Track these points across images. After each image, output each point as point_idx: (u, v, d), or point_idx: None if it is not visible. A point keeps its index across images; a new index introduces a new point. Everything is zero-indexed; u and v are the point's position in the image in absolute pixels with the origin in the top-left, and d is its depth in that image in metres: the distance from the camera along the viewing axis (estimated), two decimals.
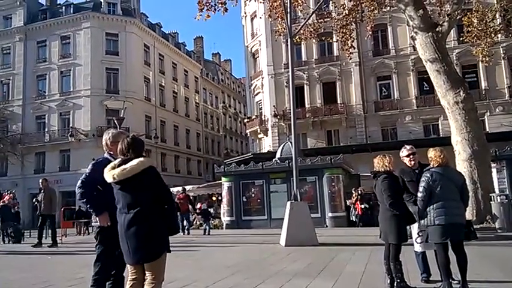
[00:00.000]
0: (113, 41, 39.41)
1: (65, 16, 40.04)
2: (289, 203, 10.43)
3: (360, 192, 16.03)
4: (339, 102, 31.67)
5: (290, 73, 11.92)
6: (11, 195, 18.33)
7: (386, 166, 4.94)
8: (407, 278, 4.83)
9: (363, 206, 15.72)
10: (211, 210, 22.58)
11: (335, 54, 31.93)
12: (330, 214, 16.89)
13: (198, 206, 19.83)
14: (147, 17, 44.96)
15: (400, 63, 30.71)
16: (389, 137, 30.63)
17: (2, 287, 5.87)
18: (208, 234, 16.76)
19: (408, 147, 5.32)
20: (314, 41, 24.18)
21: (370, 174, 5.43)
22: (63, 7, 41.30)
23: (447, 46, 15.41)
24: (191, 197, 21.99)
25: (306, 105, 32.05)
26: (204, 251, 10.16)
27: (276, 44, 31.87)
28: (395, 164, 5.06)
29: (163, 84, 44.71)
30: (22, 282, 6.27)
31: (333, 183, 17.21)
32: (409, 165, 5.21)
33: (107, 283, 3.62)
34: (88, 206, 3.65)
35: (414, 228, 5.05)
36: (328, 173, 17.29)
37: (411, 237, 5.12)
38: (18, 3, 41.45)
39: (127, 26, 39.96)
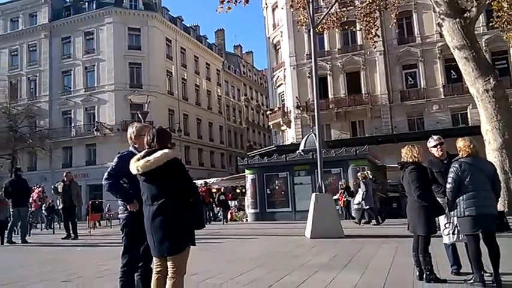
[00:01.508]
0: (135, 35, 39.87)
1: (88, 12, 40.70)
2: (313, 195, 10.35)
3: (343, 185, 15.82)
4: (363, 92, 31.20)
5: (313, 64, 11.75)
6: (40, 189, 18.85)
7: (415, 157, 4.83)
8: (436, 270, 4.72)
9: (345, 199, 15.60)
10: (236, 202, 22.84)
11: (359, 44, 31.39)
12: (356, 206, 16.67)
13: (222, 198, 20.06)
14: (168, 11, 45.24)
15: (427, 51, 29.97)
16: (416, 127, 30.04)
17: (32, 278, 6.02)
18: (223, 223, 17.38)
19: (435, 137, 5.18)
20: (337, 30, 23.80)
21: (396, 165, 5.33)
22: (86, 3, 41.94)
23: (476, 32, 14.91)
24: (215, 190, 22.24)
25: (330, 96, 31.71)
26: (228, 243, 10.20)
27: (298, 35, 31.61)
28: (424, 155, 4.93)
29: (185, 77, 45.02)
30: (57, 272, 6.43)
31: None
32: (437, 156, 5.09)
33: (135, 274, 3.64)
34: (117, 195, 3.68)
35: (442, 220, 4.92)
36: (353, 164, 17.05)
37: (440, 229, 4.99)
38: (43, 0, 42.31)
39: (149, 20, 40.31)
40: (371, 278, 5.07)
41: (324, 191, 10.48)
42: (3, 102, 37.08)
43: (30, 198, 18.76)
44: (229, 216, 19.89)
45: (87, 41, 40.27)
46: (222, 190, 21.08)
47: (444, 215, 4.83)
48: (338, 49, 32.10)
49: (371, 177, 14.37)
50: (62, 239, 12.45)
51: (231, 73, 56.38)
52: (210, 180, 26.09)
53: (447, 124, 28.26)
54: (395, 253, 6.83)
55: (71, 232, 12.49)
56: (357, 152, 17.21)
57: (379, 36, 18.30)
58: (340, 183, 16.05)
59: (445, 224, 4.88)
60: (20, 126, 36.07)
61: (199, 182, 24.14)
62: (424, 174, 4.81)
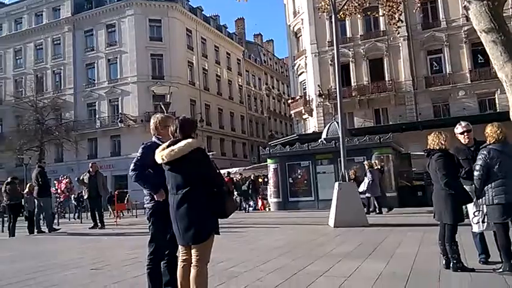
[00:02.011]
0: (156, 27, 40.08)
1: (109, 4, 41.06)
2: (337, 183, 10.30)
3: (352, 175, 15.70)
4: (386, 79, 30.71)
5: (335, 51, 11.60)
6: (68, 180, 19.36)
7: (441, 144, 4.72)
8: (464, 259, 4.64)
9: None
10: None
11: (381, 29, 30.82)
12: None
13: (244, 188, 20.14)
14: (188, 1, 45.24)
15: (452, 35, 29.17)
16: (442, 113, 29.42)
17: (62, 266, 6.20)
18: (247, 212, 17.69)
19: (463, 123, 5.06)
20: (359, 16, 23.32)
21: (422, 153, 5.23)
22: None
23: (504, 14, 14.35)
24: (238, 179, 22.36)
25: (352, 84, 31.32)
26: (252, 231, 10.25)
27: (319, 22, 31.23)
28: (451, 142, 4.82)
29: (206, 67, 45.12)
30: (85, 260, 6.61)
31: (382, 163, 16.78)
32: (464, 143, 4.97)
33: (162, 263, 3.71)
34: (144, 185, 3.74)
35: (470, 208, 4.82)
36: (377, 152, 16.83)
37: (468, 217, 4.89)
38: None
39: (169, 11, 40.43)
40: (396, 267, 5.03)
41: (347, 180, 10.41)
42: (30, 95, 38.03)
43: (59, 189, 19.39)
44: (260, 204, 19.86)
45: (109, 34, 40.72)
46: (251, 177, 20.89)
47: (473, 203, 4.73)
48: (360, 35, 31.59)
49: (379, 167, 14.50)
50: (89, 228, 12.77)
51: (251, 62, 56.22)
52: (233, 170, 26.23)
53: (474, 110, 27.57)
54: (421, 242, 6.74)
55: (98, 221, 12.79)
56: (381, 139, 16.98)
57: (402, 21, 17.81)
58: (350, 172, 15.96)
59: (474, 213, 4.78)
60: (47, 119, 36.94)
61: (221, 172, 24.24)
62: (451, 161, 4.71)
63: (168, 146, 3.33)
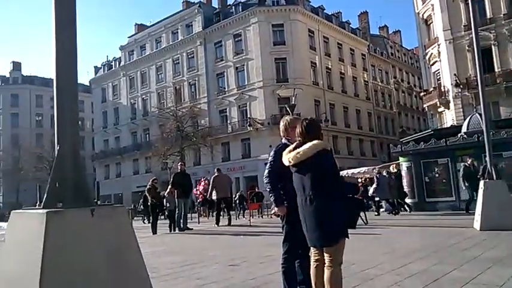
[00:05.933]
0: (279, 31, 41.15)
1: (235, 15, 43.45)
2: (482, 182, 9.30)
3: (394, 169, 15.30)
4: None
5: (473, 35, 10.50)
6: (206, 181, 20.90)
7: None
8: None
9: None
10: None
11: None
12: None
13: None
14: (310, 2, 45.39)
15: None
16: None
17: (205, 261, 6.69)
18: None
19: None
20: None
21: None
22: (233, 7, 44.83)
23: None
24: (367, 178, 21.64)
25: (496, 69, 28.11)
26: (386, 233, 9.81)
27: (452, 5, 28.77)
28: None
29: (329, 66, 44.75)
30: (224, 257, 7.05)
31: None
32: None
33: (296, 261, 3.74)
34: (271, 195, 3.83)
35: None
36: None
37: None
38: (196, 11, 46.81)
39: (291, 14, 41.14)
40: None
41: (494, 178, 9.32)
42: (171, 106, 42.15)
43: (198, 190, 21.04)
44: None
45: (236, 43, 43.04)
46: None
47: None
48: (504, 15, 28.12)
49: (396, 171, 16.53)
50: (226, 225, 13.64)
51: (377, 56, 54.11)
52: (361, 170, 25.48)
53: None
54: None
55: (228, 220, 13.66)
56: None
57: None
58: (375, 170, 16.84)
59: None
60: (185, 126, 40.54)
61: (350, 172, 23.84)
62: None
63: (294, 148, 3.35)
